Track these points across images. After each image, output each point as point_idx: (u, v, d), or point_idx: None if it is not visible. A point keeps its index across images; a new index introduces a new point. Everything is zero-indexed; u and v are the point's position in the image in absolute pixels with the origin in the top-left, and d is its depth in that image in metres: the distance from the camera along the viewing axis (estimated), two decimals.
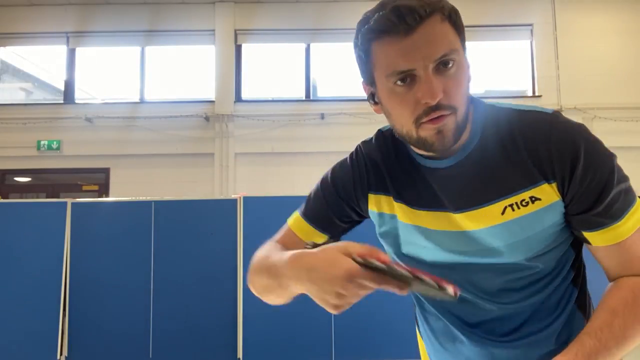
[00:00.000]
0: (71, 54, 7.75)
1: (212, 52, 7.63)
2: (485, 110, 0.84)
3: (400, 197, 0.89)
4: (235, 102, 7.51)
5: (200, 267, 4.09)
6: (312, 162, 7.32)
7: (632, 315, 0.77)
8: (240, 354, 3.93)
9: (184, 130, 7.33)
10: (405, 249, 0.92)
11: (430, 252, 0.89)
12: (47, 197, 7.28)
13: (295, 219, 0.99)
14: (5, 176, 7.65)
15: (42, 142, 7.35)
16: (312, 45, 7.74)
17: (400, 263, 0.67)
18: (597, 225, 0.78)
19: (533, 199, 0.79)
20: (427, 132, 0.76)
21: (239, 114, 7.42)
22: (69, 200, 4.25)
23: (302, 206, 0.99)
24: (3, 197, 6.18)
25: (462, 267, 0.88)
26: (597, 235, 0.79)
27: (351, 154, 0.97)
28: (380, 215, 0.93)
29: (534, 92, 7.50)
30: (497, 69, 7.78)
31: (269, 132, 7.37)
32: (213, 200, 4.41)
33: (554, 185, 0.78)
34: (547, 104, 7.32)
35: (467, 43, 0.80)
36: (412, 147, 0.85)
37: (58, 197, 7.09)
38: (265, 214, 4.12)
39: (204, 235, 4.14)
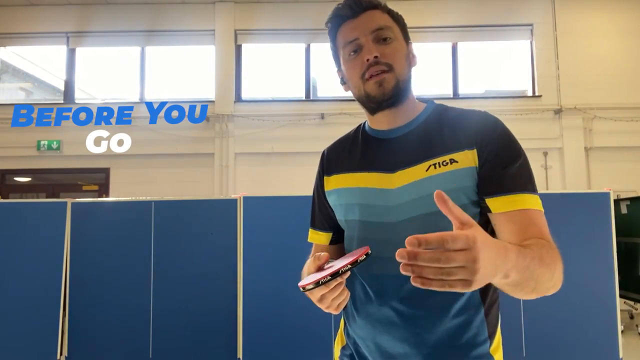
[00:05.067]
0: (71, 54, 7.76)
1: (212, 52, 7.64)
2: (437, 105, 1.09)
3: (346, 168, 1.10)
4: (235, 102, 7.51)
5: (200, 267, 4.08)
6: (312, 162, 7.28)
7: (544, 253, 0.82)
8: (240, 354, 3.92)
9: (184, 130, 7.33)
10: (346, 214, 1.09)
11: (361, 210, 1.05)
12: (47, 197, 7.29)
13: (309, 232, 1.22)
14: (5, 176, 7.66)
15: (42, 142, 7.36)
16: (312, 45, 7.74)
17: (329, 267, 0.86)
18: (502, 190, 0.92)
19: (452, 160, 0.97)
20: (370, 86, 1.01)
21: (239, 114, 7.42)
22: (69, 200, 4.24)
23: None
24: (3, 197, 6.17)
25: (386, 226, 1.00)
26: (501, 200, 0.92)
27: None
28: (333, 191, 1.12)
29: (534, 92, 7.50)
30: (497, 69, 7.78)
31: (269, 132, 7.37)
32: (213, 200, 4.39)
33: (474, 151, 0.96)
34: (547, 104, 7.33)
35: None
36: (363, 107, 1.08)
37: (58, 197, 7.10)
38: (265, 214, 4.12)
39: (204, 235, 4.14)
